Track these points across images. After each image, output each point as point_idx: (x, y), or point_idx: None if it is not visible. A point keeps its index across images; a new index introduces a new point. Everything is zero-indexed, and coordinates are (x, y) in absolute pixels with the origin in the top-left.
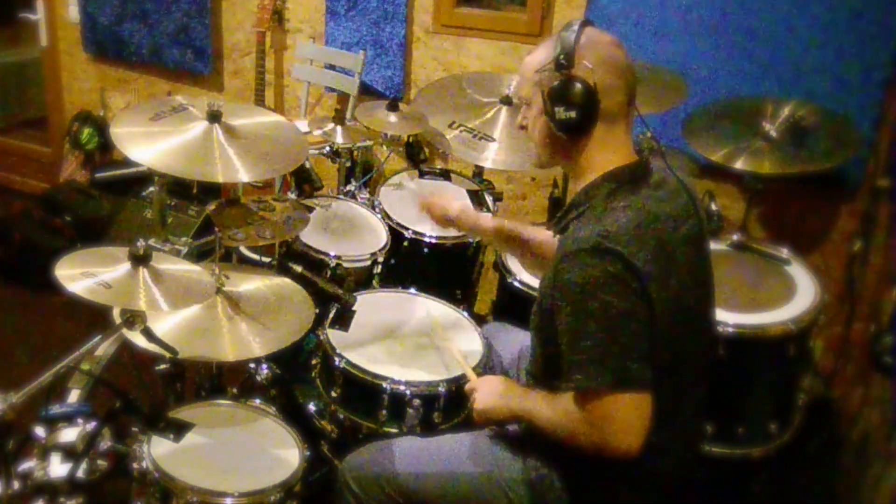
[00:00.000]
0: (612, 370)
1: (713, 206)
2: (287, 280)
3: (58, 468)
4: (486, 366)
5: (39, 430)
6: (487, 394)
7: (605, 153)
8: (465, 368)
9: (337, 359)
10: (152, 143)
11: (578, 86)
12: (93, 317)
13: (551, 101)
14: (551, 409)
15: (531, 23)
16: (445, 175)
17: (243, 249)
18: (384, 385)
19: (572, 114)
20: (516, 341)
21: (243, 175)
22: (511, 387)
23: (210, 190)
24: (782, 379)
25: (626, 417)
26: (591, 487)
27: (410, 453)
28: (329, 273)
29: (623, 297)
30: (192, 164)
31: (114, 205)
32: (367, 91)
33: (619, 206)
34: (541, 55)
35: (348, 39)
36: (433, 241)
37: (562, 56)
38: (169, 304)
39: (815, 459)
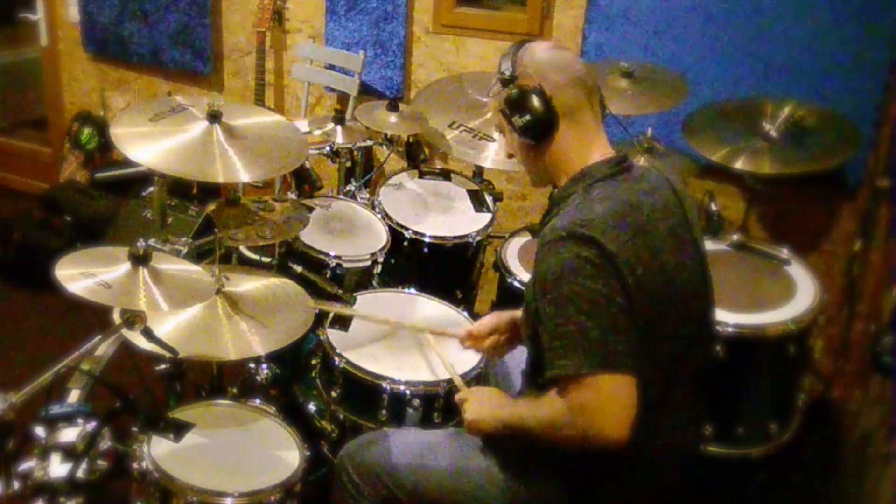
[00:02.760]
0: (594, 353)
1: (713, 206)
2: (287, 280)
3: (58, 468)
4: (482, 374)
5: (39, 430)
6: (478, 404)
7: (580, 149)
8: (455, 379)
9: (337, 359)
10: (152, 143)
11: (525, 91)
12: (93, 317)
13: (509, 114)
14: (536, 407)
15: (531, 23)
16: (445, 175)
17: (243, 249)
18: (384, 385)
19: (527, 117)
20: (518, 348)
21: (244, 175)
22: (500, 396)
23: (210, 190)
24: (782, 379)
25: (610, 400)
26: (589, 486)
27: (408, 446)
28: (329, 273)
29: (600, 280)
30: (193, 165)
31: (114, 205)
32: (367, 91)
33: (596, 197)
34: (491, 84)
35: (348, 39)
36: (433, 241)
37: (503, 73)
38: (169, 304)
39: (815, 459)
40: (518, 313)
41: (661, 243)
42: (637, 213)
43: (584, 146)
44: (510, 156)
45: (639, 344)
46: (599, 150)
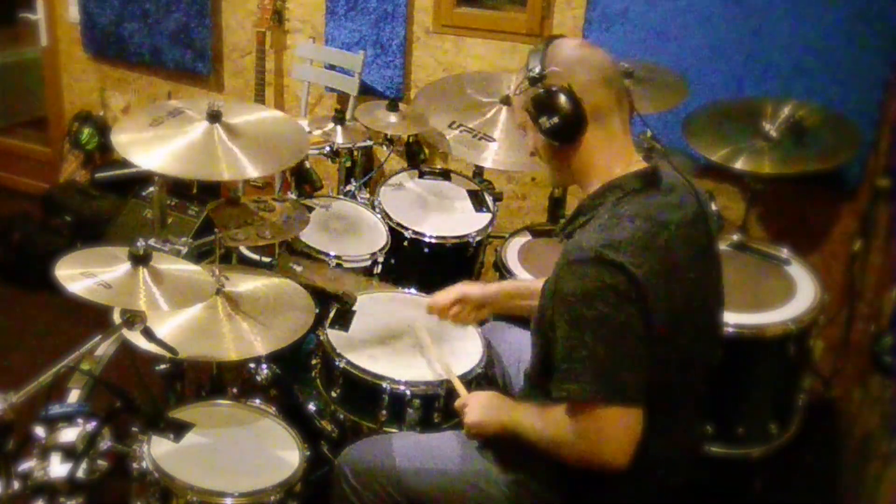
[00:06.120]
0: (605, 382)
1: (713, 206)
2: (287, 280)
3: (58, 468)
4: (485, 373)
5: (39, 430)
6: (478, 408)
7: (608, 156)
8: (456, 384)
9: (337, 359)
10: (155, 147)
11: (554, 91)
12: (93, 317)
13: (536, 114)
14: (540, 420)
15: (531, 23)
16: (445, 175)
17: (243, 249)
18: (384, 385)
19: (555, 119)
20: (516, 341)
21: (250, 171)
22: (501, 401)
23: (210, 190)
24: (782, 379)
25: (615, 430)
26: (587, 492)
27: (408, 450)
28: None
29: (621, 309)
30: (197, 165)
31: (114, 205)
32: (367, 91)
33: (625, 214)
34: (517, 80)
35: (348, 39)
36: (433, 241)
37: (532, 71)
38: (169, 304)
39: (815, 459)
40: (489, 289)
41: (685, 259)
42: (665, 232)
43: (611, 153)
44: (532, 154)
45: (651, 359)
46: (628, 160)
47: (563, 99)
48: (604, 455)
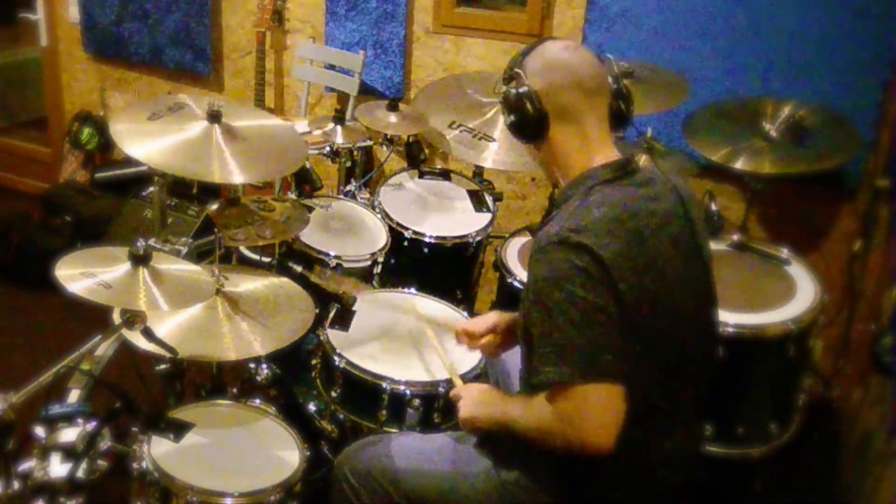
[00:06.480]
0: (581, 361)
1: (713, 206)
2: (287, 280)
3: (58, 468)
4: (483, 373)
5: (39, 430)
6: (471, 403)
7: (580, 152)
8: (452, 375)
9: (337, 359)
10: (152, 140)
11: (513, 91)
12: (93, 317)
13: (505, 113)
14: (525, 411)
15: (531, 23)
16: (445, 175)
17: (243, 249)
18: (384, 385)
19: (513, 118)
20: (515, 349)
21: (238, 176)
22: (493, 395)
23: (210, 190)
24: (782, 379)
25: (595, 409)
26: (587, 492)
27: (407, 450)
28: (329, 273)
29: (590, 289)
30: (189, 163)
31: (114, 205)
32: (367, 91)
33: (594, 202)
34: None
35: (348, 39)
36: (433, 241)
37: (506, 72)
38: (169, 304)
39: (815, 459)
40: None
41: (661, 250)
42: (635, 220)
43: (584, 149)
44: None
45: (639, 350)
46: (602, 154)
47: (521, 99)
48: (587, 436)
